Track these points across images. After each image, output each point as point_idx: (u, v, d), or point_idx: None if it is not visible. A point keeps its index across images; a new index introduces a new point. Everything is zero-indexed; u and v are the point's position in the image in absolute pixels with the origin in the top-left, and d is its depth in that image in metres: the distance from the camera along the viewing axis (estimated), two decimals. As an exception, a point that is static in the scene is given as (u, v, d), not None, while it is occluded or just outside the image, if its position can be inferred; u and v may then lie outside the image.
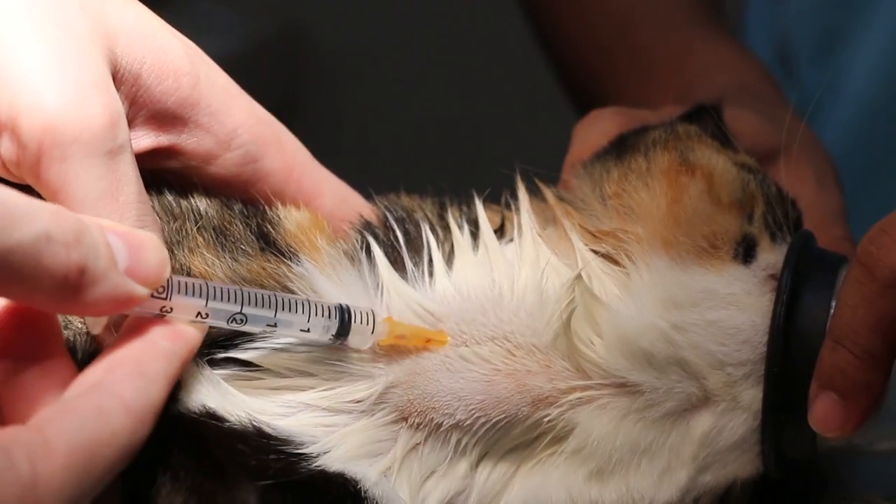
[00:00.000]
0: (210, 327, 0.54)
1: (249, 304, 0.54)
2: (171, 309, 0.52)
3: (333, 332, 0.55)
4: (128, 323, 0.52)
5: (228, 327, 0.54)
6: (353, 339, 0.56)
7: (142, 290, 0.50)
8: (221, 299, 0.53)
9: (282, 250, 0.59)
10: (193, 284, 0.53)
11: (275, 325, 0.55)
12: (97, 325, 0.52)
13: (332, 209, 0.62)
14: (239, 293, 0.54)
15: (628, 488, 0.59)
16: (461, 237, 0.61)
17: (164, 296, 0.52)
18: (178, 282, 0.52)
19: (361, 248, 0.60)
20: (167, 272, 0.51)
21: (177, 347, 0.52)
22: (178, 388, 0.55)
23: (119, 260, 0.50)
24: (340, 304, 0.56)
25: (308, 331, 0.55)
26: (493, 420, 0.58)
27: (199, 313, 0.53)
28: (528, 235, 0.61)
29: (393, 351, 0.58)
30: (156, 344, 0.51)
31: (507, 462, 0.59)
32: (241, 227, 0.59)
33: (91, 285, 0.48)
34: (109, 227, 0.50)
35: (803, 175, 0.71)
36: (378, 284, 0.59)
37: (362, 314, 0.56)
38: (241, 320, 0.54)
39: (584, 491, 0.59)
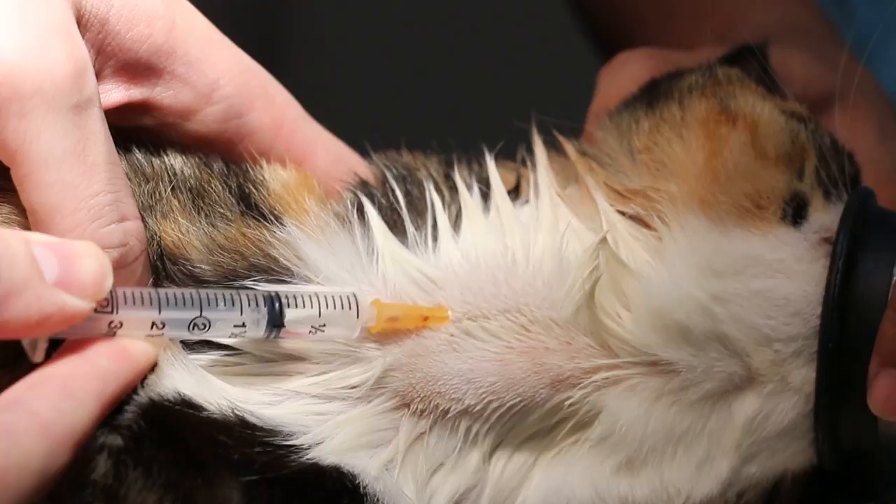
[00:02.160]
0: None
1: (210, 305, 0.54)
2: (121, 324, 0.53)
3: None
4: (70, 342, 0.53)
5: (192, 336, 0.55)
6: (336, 330, 0.57)
7: (77, 303, 0.51)
8: (176, 305, 0.54)
9: (264, 213, 0.59)
10: (142, 294, 0.53)
11: (243, 326, 0.55)
12: (36, 350, 0.52)
13: (327, 169, 0.62)
14: (196, 296, 0.54)
15: (662, 481, 0.59)
16: (470, 198, 0.61)
17: (108, 310, 0.52)
18: (124, 293, 0.53)
19: (353, 209, 0.60)
20: (108, 282, 0.52)
21: (118, 367, 0.53)
22: (148, 372, 0.55)
23: (47, 271, 0.50)
24: (271, 293, 0.56)
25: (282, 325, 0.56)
26: (507, 404, 0.58)
27: (153, 324, 0.53)
28: (546, 196, 0.62)
29: (390, 330, 0.58)
30: (93, 362, 0.52)
31: (524, 452, 0.59)
32: (219, 187, 0.60)
33: (8, 299, 0.49)
34: (37, 239, 0.51)
35: (862, 125, 0.71)
36: (372, 249, 0.59)
37: (343, 299, 0.57)
38: (204, 325, 0.54)
39: (612, 485, 0.59)
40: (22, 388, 0.51)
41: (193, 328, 0.54)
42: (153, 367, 0.55)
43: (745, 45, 0.68)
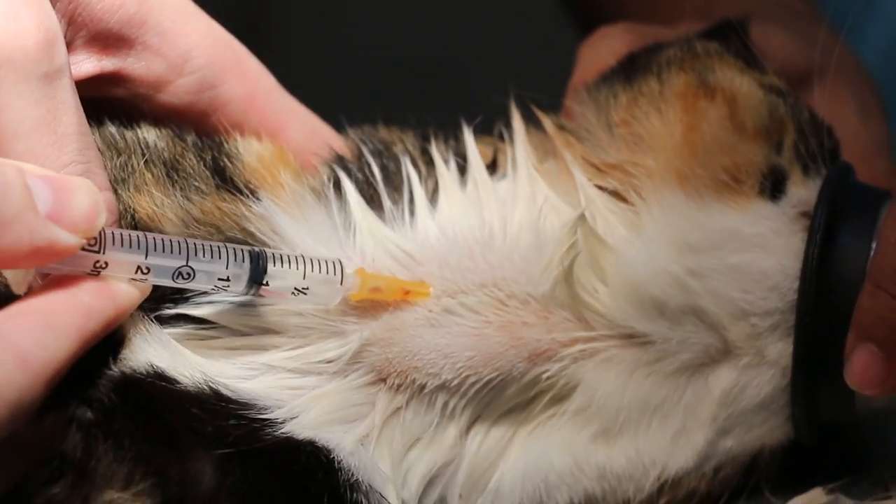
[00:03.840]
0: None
1: (197, 255, 0.56)
2: (106, 264, 0.54)
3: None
4: (53, 276, 0.54)
5: (175, 284, 0.56)
6: (318, 295, 0.58)
7: (68, 238, 0.52)
8: (164, 252, 0.55)
9: (239, 187, 0.61)
10: (130, 236, 0.55)
11: (227, 280, 0.56)
12: (20, 282, 0.53)
13: (301, 142, 0.64)
14: (184, 244, 0.56)
15: (638, 451, 0.61)
16: (447, 172, 0.63)
17: (96, 249, 0.53)
18: (113, 234, 0.54)
19: (330, 183, 0.62)
20: (101, 220, 0.53)
21: (100, 304, 0.54)
22: (120, 346, 0.57)
23: (41, 203, 0.51)
24: (256, 249, 0.58)
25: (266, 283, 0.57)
26: (485, 379, 0.60)
27: (138, 268, 0.55)
28: (524, 170, 0.64)
29: (368, 304, 0.60)
30: (76, 297, 0.53)
31: (501, 427, 0.61)
32: (194, 160, 0.61)
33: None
34: (32, 170, 0.52)
35: (842, 100, 0.73)
36: (349, 224, 0.61)
37: (328, 264, 0.58)
38: (188, 275, 0.56)
39: (590, 455, 0.61)
40: (2, 319, 0.52)
41: (178, 277, 0.56)
42: (125, 341, 0.57)
43: (725, 20, 0.70)
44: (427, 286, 0.60)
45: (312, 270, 0.58)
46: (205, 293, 0.59)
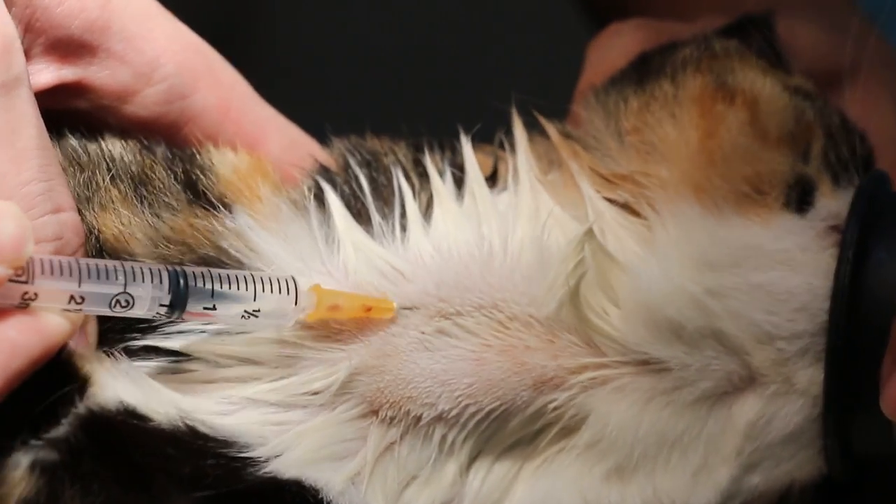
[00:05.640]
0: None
1: (136, 280, 0.55)
2: (36, 295, 0.54)
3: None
4: None
5: (113, 313, 0.56)
6: (271, 317, 0.58)
7: None
8: (99, 278, 0.55)
9: (213, 202, 0.61)
10: (62, 263, 0.54)
11: (169, 306, 0.56)
12: None
13: (280, 155, 0.65)
14: (121, 268, 0.55)
15: (655, 490, 0.61)
16: (442, 185, 0.64)
17: (24, 279, 0.53)
18: (42, 261, 0.54)
19: (311, 195, 0.63)
20: (29, 248, 0.53)
21: (26, 340, 0.54)
22: (85, 382, 0.57)
23: None
24: (174, 268, 0.57)
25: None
26: (486, 409, 0.60)
27: (71, 298, 0.54)
28: (526, 181, 0.64)
29: (356, 328, 0.60)
30: (0, 332, 0.53)
31: (505, 462, 0.61)
32: (164, 174, 0.62)
33: None
34: None
35: (876, 101, 0.73)
36: (332, 238, 0.62)
37: (280, 283, 0.58)
38: (127, 302, 0.55)
39: (603, 494, 0.61)
40: None
41: (115, 304, 0.55)
42: (89, 379, 0.57)
43: (747, 15, 0.70)
44: (390, 302, 0.60)
45: (264, 291, 0.58)
46: (174, 322, 0.58)
